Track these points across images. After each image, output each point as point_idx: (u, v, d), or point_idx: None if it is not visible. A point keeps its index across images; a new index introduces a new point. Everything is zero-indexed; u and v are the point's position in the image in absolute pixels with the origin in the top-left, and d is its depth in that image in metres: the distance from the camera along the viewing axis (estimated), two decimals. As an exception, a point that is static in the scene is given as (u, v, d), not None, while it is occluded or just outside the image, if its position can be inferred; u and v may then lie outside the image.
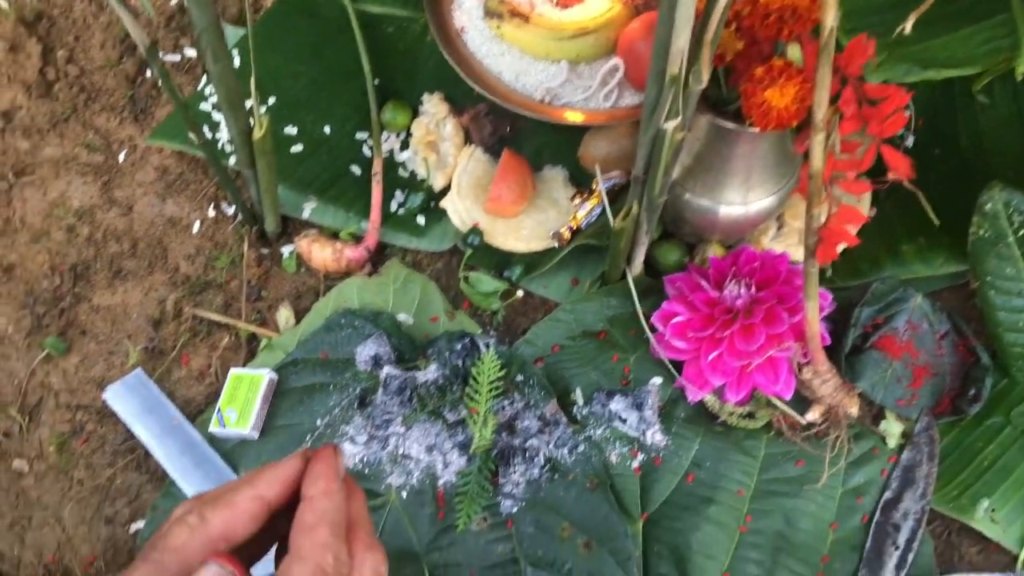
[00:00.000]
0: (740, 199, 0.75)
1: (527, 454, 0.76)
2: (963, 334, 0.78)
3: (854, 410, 0.76)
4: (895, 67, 0.80)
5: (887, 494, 0.75)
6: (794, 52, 0.63)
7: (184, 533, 0.39)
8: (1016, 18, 0.81)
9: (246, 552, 0.41)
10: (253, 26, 0.97)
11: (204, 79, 0.97)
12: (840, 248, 0.81)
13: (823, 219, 0.65)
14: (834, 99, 0.61)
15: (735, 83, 0.66)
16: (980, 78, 0.87)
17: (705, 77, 0.55)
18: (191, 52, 1.00)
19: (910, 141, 0.88)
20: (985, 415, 0.76)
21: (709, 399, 0.77)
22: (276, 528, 0.42)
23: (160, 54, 1.00)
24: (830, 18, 0.53)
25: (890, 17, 0.85)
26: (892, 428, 0.77)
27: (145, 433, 0.82)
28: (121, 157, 0.96)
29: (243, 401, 0.79)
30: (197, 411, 0.84)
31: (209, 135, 0.91)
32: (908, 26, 0.55)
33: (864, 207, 0.84)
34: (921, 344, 0.78)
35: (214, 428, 0.79)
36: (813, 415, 0.77)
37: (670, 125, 0.60)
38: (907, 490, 0.75)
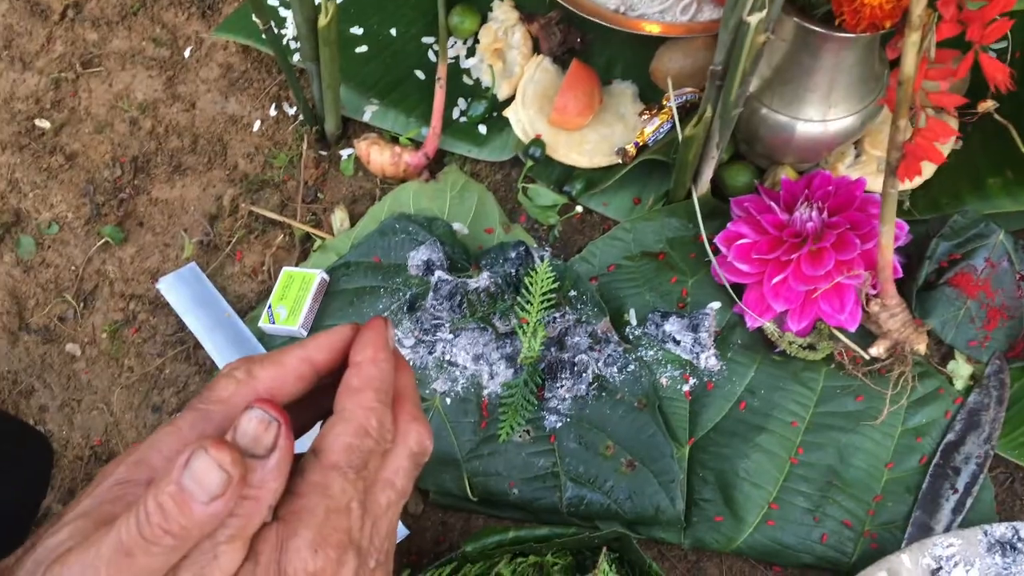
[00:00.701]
0: (819, 116, 0.72)
1: (575, 369, 0.74)
2: (1045, 274, 0.74)
3: (922, 348, 0.73)
4: None
5: (949, 436, 0.72)
6: (893, -52, 0.59)
7: (231, 385, 0.38)
8: None
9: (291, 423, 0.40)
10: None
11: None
12: (926, 171, 0.77)
13: (909, 133, 0.61)
14: (932, 1, 0.57)
15: (825, -16, 0.62)
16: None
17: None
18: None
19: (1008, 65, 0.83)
20: (1062, 362, 0.72)
21: (769, 327, 0.74)
22: (321, 405, 0.41)
23: (230, -49, 0.98)
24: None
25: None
26: (960, 369, 0.74)
27: (196, 325, 0.82)
28: (187, 53, 0.96)
29: (294, 299, 0.79)
30: (248, 307, 0.83)
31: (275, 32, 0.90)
32: None
33: (951, 134, 0.80)
34: (999, 284, 0.74)
35: (264, 324, 0.79)
36: (877, 350, 0.73)
37: (754, 18, 0.56)
38: (971, 433, 0.71)
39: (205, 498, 0.32)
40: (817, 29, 0.63)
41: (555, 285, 0.74)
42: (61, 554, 0.33)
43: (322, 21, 0.72)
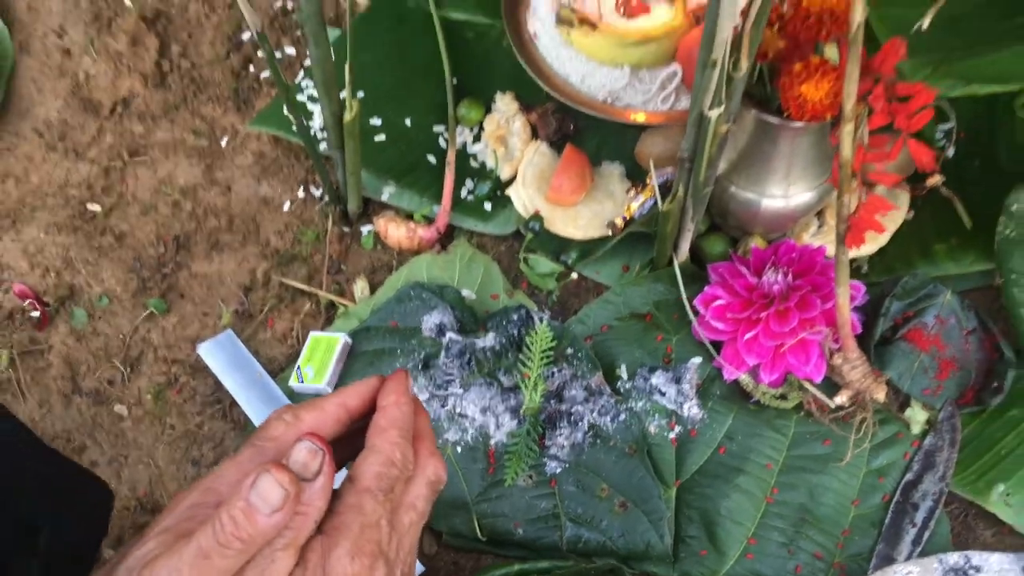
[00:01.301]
0: (781, 192, 0.82)
1: (572, 419, 0.83)
2: (989, 331, 0.83)
3: (881, 396, 0.81)
4: (941, 81, 0.85)
5: (908, 476, 0.80)
6: (831, 52, 0.69)
7: (281, 426, 0.48)
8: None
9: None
10: (338, 36, 1.07)
11: (301, 73, 1.07)
12: (873, 240, 0.87)
13: (854, 207, 0.71)
14: (866, 96, 0.68)
15: (777, 83, 0.73)
16: (1022, 94, 0.92)
17: (743, 66, 0.62)
18: (290, 51, 1.11)
19: (951, 152, 0.93)
20: (1006, 407, 0.81)
21: (744, 379, 0.83)
22: (354, 446, 0.50)
23: (261, 52, 1.10)
24: (858, 14, 0.59)
25: (939, 37, 0.90)
26: (917, 415, 0.82)
27: (232, 385, 0.91)
28: (223, 142, 1.07)
29: (320, 361, 0.88)
30: (279, 368, 0.93)
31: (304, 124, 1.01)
32: (925, 23, 0.61)
33: (902, 211, 0.90)
34: (948, 338, 0.83)
35: (293, 383, 0.88)
36: (841, 399, 0.82)
37: (713, 113, 0.67)
38: (927, 473, 0.80)
39: (268, 511, 0.42)
40: (772, 120, 0.74)
41: (553, 344, 0.84)
42: (149, 560, 0.42)
43: (347, 117, 0.83)
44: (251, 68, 1.11)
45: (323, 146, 0.97)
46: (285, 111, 1.00)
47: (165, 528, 0.44)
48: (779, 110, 0.73)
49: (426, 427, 0.52)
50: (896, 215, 0.89)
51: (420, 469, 0.50)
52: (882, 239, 0.88)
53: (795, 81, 0.68)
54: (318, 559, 0.44)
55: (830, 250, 0.87)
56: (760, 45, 0.69)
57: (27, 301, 0.98)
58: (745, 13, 0.61)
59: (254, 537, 0.42)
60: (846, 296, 0.76)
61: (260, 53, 1.11)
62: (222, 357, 0.93)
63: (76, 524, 0.71)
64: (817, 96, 0.68)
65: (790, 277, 0.82)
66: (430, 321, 0.88)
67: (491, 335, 0.85)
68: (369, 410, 0.50)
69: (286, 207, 1.01)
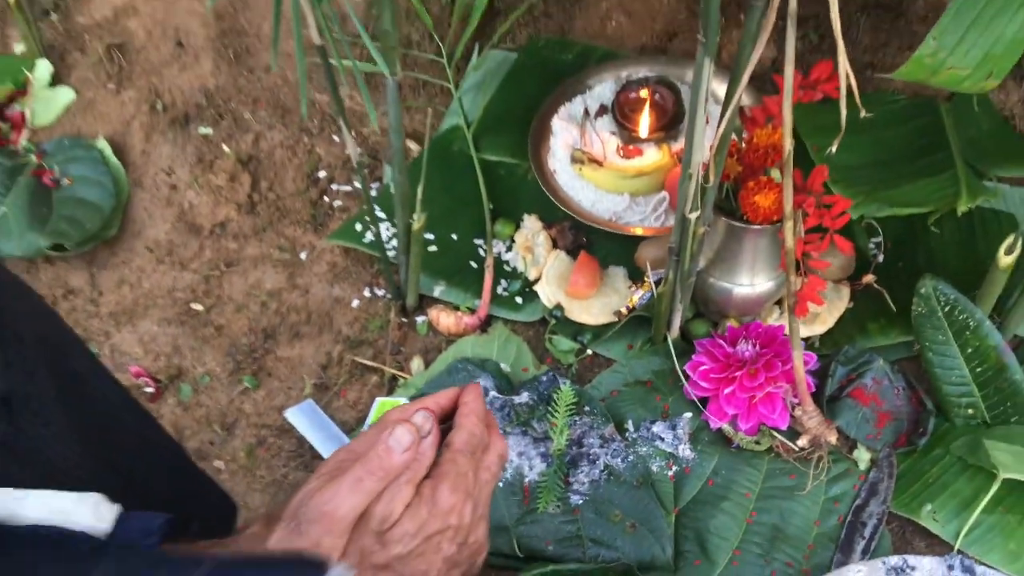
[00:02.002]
0: (749, 282, 1.07)
1: (590, 461, 1.05)
2: (914, 388, 1.06)
3: (833, 439, 1.04)
4: (870, 205, 1.11)
5: (857, 501, 1.01)
6: (775, 173, 0.96)
7: (396, 412, 0.70)
8: (959, 175, 1.13)
9: None
10: (409, 163, 1.36)
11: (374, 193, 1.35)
12: (821, 322, 1.11)
13: (799, 285, 0.96)
14: (802, 204, 0.94)
15: (739, 196, 0.99)
16: (933, 214, 1.19)
17: (712, 180, 0.88)
18: (357, 185, 1.39)
19: (881, 258, 1.20)
20: (931, 448, 1.03)
21: (726, 427, 1.06)
22: (442, 434, 0.72)
23: (334, 186, 1.38)
24: (787, 147, 0.86)
25: (869, 173, 1.18)
26: (862, 455, 1.04)
27: (314, 441, 1.13)
28: (302, 256, 1.33)
29: (385, 420, 1.10)
30: (351, 429, 1.15)
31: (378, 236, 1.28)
32: (834, 148, 0.87)
33: (844, 302, 1.15)
34: (884, 396, 1.06)
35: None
36: (802, 442, 1.04)
37: (692, 215, 0.93)
38: (872, 499, 1.01)
39: (400, 450, 0.64)
40: (737, 224, 1.00)
41: (575, 400, 1.06)
42: (314, 492, 0.64)
43: (415, 225, 1.09)
44: (325, 198, 1.39)
45: (391, 253, 1.23)
46: (357, 227, 1.27)
47: (321, 474, 0.66)
48: (741, 217, 1.00)
49: (493, 420, 0.75)
50: (840, 304, 1.14)
51: (492, 444, 0.72)
52: (829, 322, 1.13)
53: (750, 194, 0.95)
54: (429, 492, 0.66)
55: (774, 322, 1.11)
56: (724, 169, 0.96)
57: (142, 379, 1.21)
58: (712, 147, 0.88)
59: (390, 470, 0.64)
60: (800, 357, 1.00)
61: (333, 186, 1.38)
62: (304, 421, 1.15)
63: (215, 522, 0.91)
64: (766, 204, 0.94)
65: (757, 347, 1.06)
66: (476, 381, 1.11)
67: (525, 394, 1.08)
68: (452, 410, 0.73)
69: (354, 304, 1.26)
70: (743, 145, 0.98)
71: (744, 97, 1.24)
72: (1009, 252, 0.94)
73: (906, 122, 1.27)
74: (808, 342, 1.13)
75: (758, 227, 0.99)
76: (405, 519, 0.64)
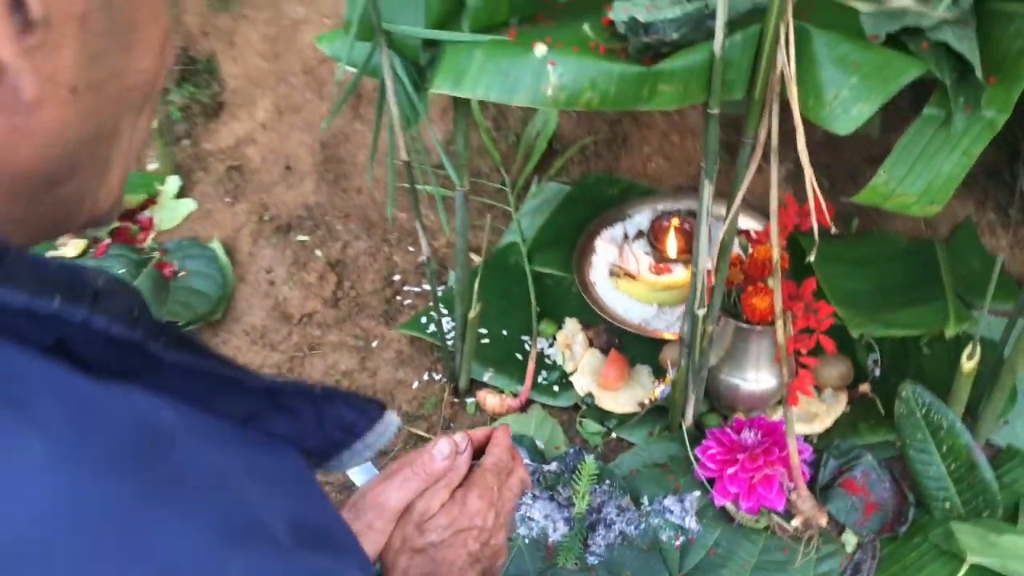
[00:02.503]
0: (754, 378, 1.24)
1: (607, 526, 1.20)
2: (898, 482, 1.20)
3: (823, 522, 1.17)
4: (870, 325, 1.29)
5: (843, 577, 1.13)
6: (772, 282, 1.15)
7: (440, 440, 0.89)
8: (949, 305, 1.30)
9: None
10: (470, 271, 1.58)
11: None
12: (820, 422, 1.26)
13: (791, 377, 1.13)
14: (792, 307, 1.12)
15: (741, 300, 1.18)
16: (923, 337, 1.35)
17: (713, 281, 1.07)
18: (426, 287, 1.61)
19: (877, 372, 1.35)
20: (911, 535, 1.15)
21: (729, 506, 1.20)
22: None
23: (406, 287, 1.61)
24: (775, 255, 1.05)
25: (872, 299, 1.36)
26: (849, 539, 1.17)
27: (369, 497, 1.30)
28: (374, 344, 1.54)
29: (432, 483, 1.28)
30: (402, 489, 1.32)
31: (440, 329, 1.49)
32: (811, 258, 1.05)
33: (841, 407, 1.30)
34: (872, 488, 1.20)
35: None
36: (796, 522, 1.18)
37: (700, 312, 1.12)
38: None
39: (441, 459, 0.82)
40: (740, 324, 1.18)
41: (596, 473, 1.22)
42: (370, 487, 0.82)
43: (471, 315, 1.30)
44: (397, 297, 1.61)
45: (449, 342, 1.43)
46: (423, 320, 1.48)
47: (378, 477, 0.85)
48: (744, 319, 1.18)
49: (518, 453, 0.93)
50: (838, 408, 1.29)
51: (515, 469, 0.89)
52: (828, 423, 1.28)
53: (749, 297, 1.14)
54: (461, 496, 0.83)
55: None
56: (729, 276, 1.15)
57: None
58: (713, 256, 1.07)
59: (432, 473, 0.82)
60: (794, 443, 1.15)
61: (405, 288, 1.61)
62: (364, 478, 1.33)
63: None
64: (762, 305, 1.13)
65: (759, 435, 1.21)
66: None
67: (555, 463, 1.25)
68: (482, 448, 0.91)
69: (414, 385, 1.46)
70: (746, 258, 1.17)
71: (753, 222, 1.45)
72: (970, 358, 1.09)
73: (906, 259, 1.46)
74: (807, 439, 1.27)
75: (759, 328, 1.17)
76: (440, 515, 0.81)
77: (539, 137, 1.67)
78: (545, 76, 0.95)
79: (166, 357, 0.41)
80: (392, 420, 0.55)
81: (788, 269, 1.13)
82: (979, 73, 0.89)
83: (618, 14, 0.97)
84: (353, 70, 1.06)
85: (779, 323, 1.09)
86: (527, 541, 1.20)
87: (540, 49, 0.96)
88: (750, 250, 1.20)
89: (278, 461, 0.46)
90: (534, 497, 1.23)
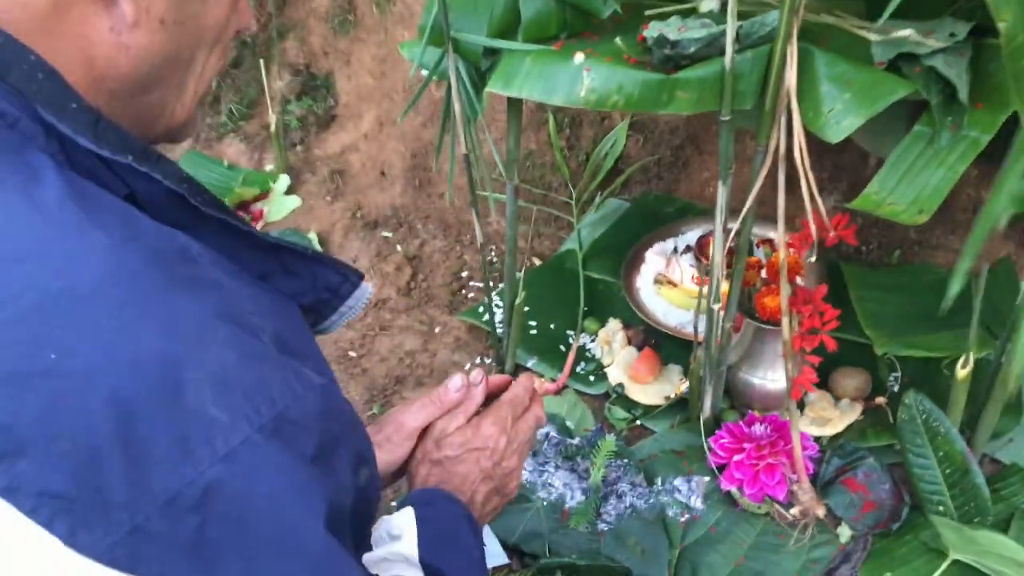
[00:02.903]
0: (770, 376, 1.34)
1: (618, 497, 1.31)
2: (897, 484, 1.27)
3: (821, 514, 1.25)
4: (892, 345, 1.37)
5: (831, 564, 1.21)
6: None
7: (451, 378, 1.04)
8: (972, 331, 1.37)
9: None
10: (525, 274, 1.74)
11: (496, 291, 1.72)
12: (832, 426, 1.35)
13: (797, 372, 1.23)
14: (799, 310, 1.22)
15: (755, 300, 1.29)
16: (945, 359, 1.41)
17: (730, 277, 1.19)
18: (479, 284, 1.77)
19: (896, 388, 1.42)
20: (902, 533, 1.22)
21: (734, 491, 1.30)
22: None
23: (472, 283, 1.78)
24: (781, 256, 1.16)
25: (898, 322, 1.44)
26: (844, 531, 1.25)
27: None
28: (436, 330, 1.71)
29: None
30: (443, 453, 1.47)
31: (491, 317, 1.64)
32: (800, 282, 1.16)
33: (856, 414, 1.38)
34: (872, 488, 1.27)
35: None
36: (795, 511, 1.26)
37: (715, 306, 1.23)
38: (844, 564, 1.21)
39: (454, 389, 0.97)
40: (755, 323, 1.29)
41: (615, 451, 1.34)
42: (394, 411, 0.98)
43: (517, 301, 1.44)
44: (462, 291, 1.78)
45: (499, 329, 1.58)
46: (480, 310, 1.64)
47: (401, 404, 1.00)
48: (757, 317, 1.29)
49: (539, 397, 1.06)
50: (851, 416, 1.37)
51: (532, 408, 1.03)
52: (840, 427, 1.36)
53: (762, 297, 1.25)
54: (475, 421, 0.97)
55: (803, 427, 1.35)
56: (747, 278, 1.26)
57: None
58: (725, 255, 1.19)
59: (446, 402, 0.97)
60: (798, 436, 1.24)
61: (471, 283, 1.78)
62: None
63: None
64: (773, 304, 1.23)
65: (769, 430, 1.31)
66: (543, 431, 1.41)
67: (579, 439, 1.37)
68: (502, 390, 1.05)
69: (467, 366, 1.61)
70: (765, 263, 1.28)
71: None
72: (964, 367, 1.17)
73: (940, 289, 1.51)
74: (818, 440, 1.36)
75: (773, 327, 1.28)
76: (456, 434, 0.95)
77: (607, 157, 1.82)
78: (580, 80, 1.10)
79: (203, 210, 0.58)
80: (367, 288, 0.70)
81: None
82: (962, 96, 1.00)
83: (651, 32, 1.11)
84: (425, 72, 1.24)
85: (784, 320, 1.19)
86: (546, 504, 1.32)
87: (579, 57, 1.11)
88: (772, 257, 1.31)
89: (277, 300, 0.62)
90: (556, 467, 1.35)
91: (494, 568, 1.26)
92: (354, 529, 0.61)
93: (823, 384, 1.43)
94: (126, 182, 0.55)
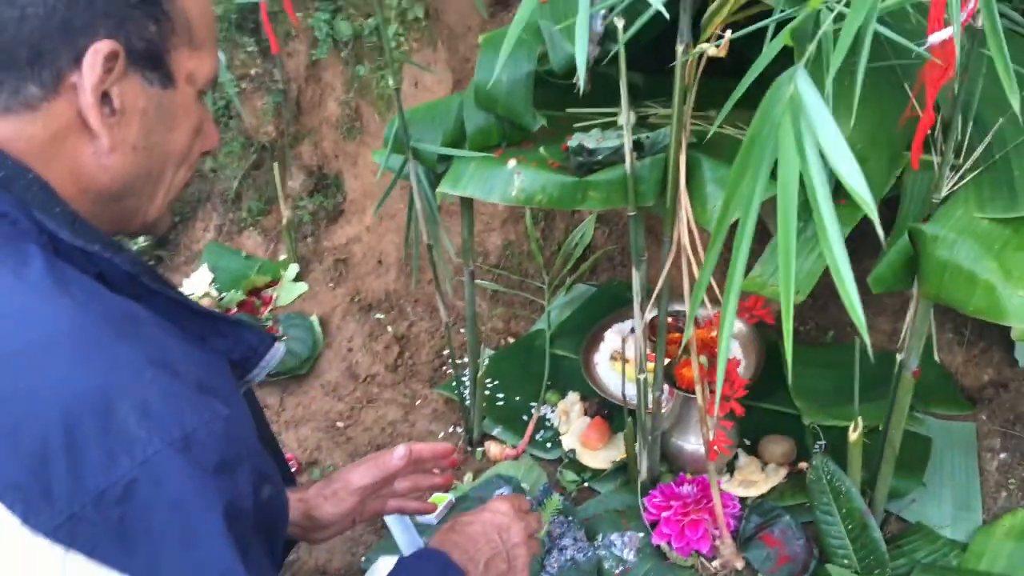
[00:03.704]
0: (696, 441, 1.49)
1: (560, 550, 1.46)
2: (809, 540, 1.40)
3: (739, 566, 1.38)
4: (818, 416, 1.53)
5: (747, 611, 1.34)
6: (703, 359, 1.41)
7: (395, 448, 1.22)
8: (855, 402, 1.52)
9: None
10: (494, 354, 1.91)
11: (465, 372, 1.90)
12: (756, 488, 1.49)
13: (712, 435, 1.38)
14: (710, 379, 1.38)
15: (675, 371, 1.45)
16: (864, 428, 1.55)
17: (656, 360, 1.36)
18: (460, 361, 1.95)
19: (819, 451, 1.56)
20: (812, 584, 1.35)
21: (664, 546, 1.44)
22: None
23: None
24: (688, 333, 1.33)
25: (827, 395, 1.59)
26: (761, 582, 1.38)
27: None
28: (418, 402, 1.89)
29: (438, 508, 1.58)
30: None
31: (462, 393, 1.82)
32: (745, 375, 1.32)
33: (779, 477, 1.51)
34: (787, 543, 1.40)
35: (418, 518, 1.58)
36: (717, 563, 1.40)
37: (641, 376, 1.40)
38: (758, 610, 1.34)
39: (398, 458, 1.15)
40: (684, 394, 1.45)
41: (559, 509, 1.49)
42: (344, 469, 1.16)
43: (479, 373, 1.62)
44: (443, 368, 1.96)
45: (467, 402, 1.76)
46: (454, 384, 1.82)
47: (347, 467, 1.18)
48: (675, 385, 1.45)
49: (533, 523, 1.23)
50: (775, 479, 1.51)
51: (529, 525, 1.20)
52: (764, 489, 1.50)
53: (680, 368, 1.41)
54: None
55: (724, 486, 1.50)
56: (668, 352, 1.43)
57: (291, 460, 1.78)
58: (641, 332, 1.37)
59: (389, 467, 1.14)
60: (718, 495, 1.39)
61: (449, 361, 1.96)
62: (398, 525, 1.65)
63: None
64: (688, 374, 1.40)
65: (696, 490, 1.45)
66: (500, 493, 1.57)
67: (530, 499, 1.53)
68: (425, 459, 1.22)
69: (440, 435, 1.78)
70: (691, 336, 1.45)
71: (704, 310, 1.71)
72: (855, 431, 1.31)
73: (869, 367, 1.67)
74: (743, 500, 1.50)
75: (694, 395, 1.43)
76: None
77: (576, 246, 2.01)
78: (512, 182, 1.31)
79: (152, 286, 0.78)
80: (280, 348, 0.89)
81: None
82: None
83: (573, 141, 1.32)
84: (392, 172, 1.46)
85: (698, 388, 1.35)
86: (495, 556, 1.47)
87: (511, 163, 1.32)
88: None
89: (208, 355, 0.81)
90: (507, 522, 1.50)
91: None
92: (265, 539, 0.78)
93: (752, 450, 1.58)
94: (96, 265, 0.76)
